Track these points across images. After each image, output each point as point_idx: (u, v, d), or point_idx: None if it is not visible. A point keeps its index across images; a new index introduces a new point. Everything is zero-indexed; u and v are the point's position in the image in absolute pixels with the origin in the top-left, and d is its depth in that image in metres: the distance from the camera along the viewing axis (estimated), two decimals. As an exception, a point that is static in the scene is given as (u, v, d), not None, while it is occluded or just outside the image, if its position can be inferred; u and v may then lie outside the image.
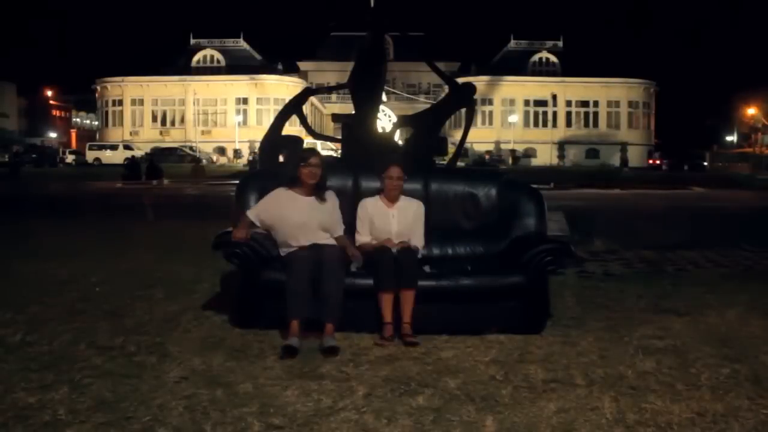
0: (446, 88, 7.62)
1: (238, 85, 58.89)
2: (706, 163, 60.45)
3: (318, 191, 4.67)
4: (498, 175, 5.60)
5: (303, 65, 67.83)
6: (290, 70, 63.74)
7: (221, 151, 56.76)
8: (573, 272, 6.95)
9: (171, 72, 60.05)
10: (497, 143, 58.91)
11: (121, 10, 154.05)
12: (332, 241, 4.60)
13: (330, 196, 4.74)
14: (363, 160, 5.95)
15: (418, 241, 4.79)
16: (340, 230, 4.69)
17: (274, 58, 63.64)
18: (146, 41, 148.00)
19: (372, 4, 7.81)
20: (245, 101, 59.16)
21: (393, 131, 7.98)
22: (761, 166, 48.26)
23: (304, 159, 4.68)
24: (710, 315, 5.13)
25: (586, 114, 62.11)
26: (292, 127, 8.78)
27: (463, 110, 7.43)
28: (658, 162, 57.54)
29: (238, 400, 3.30)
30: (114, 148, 52.57)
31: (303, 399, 3.32)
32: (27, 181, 27.99)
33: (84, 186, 25.16)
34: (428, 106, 10.05)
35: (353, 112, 6.99)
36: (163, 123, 60.22)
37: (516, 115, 60.05)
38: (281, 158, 7.39)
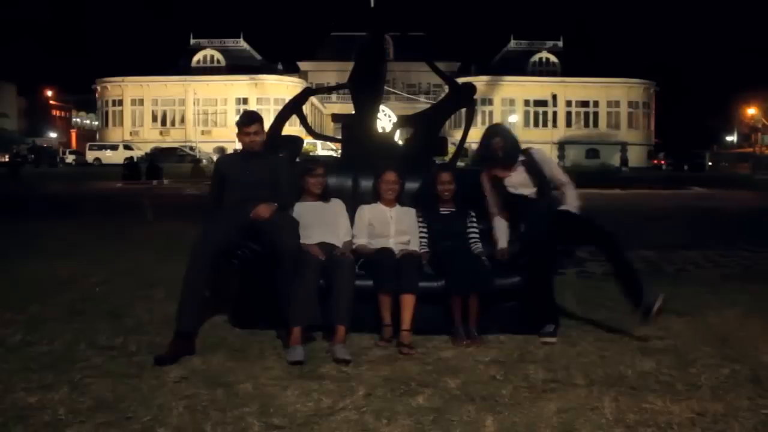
0: (446, 88, 7.60)
1: (238, 85, 58.86)
2: (710, 163, 60.41)
3: (324, 198, 4.81)
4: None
5: (303, 65, 67.78)
6: (290, 70, 63.73)
7: (221, 151, 56.68)
8: (573, 272, 6.95)
9: (171, 72, 60.03)
10: (497, 143, 58.78)
11: (121, 9, 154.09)
12: (340, 243, 4.64)
13: (337, 201, 4.87)
14: (363, 160, 5.95)
15: (417, 245, 4.78)
16: (346, 236, 4.74)
17: (274, 58, 63.83)
18: (146, 41, 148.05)
19: (372, 4, 7.80)
20: (245, 101, 59.06)
21: (393, 131, 7.96)
22: (761, 166, 48.26)
23: (310, 170, 4.80)
24: (710, 315, 5.14)
25: (586, 114, 62.04)
26: (292, 127, 8.76)
27: (463, 110, 7.42)
28: (662, 162, 57.43)
29: (238, 400, 3.30)
30: (114, 148, 52.49)
31: (303, 399, 3.32)
32: (27, 181, 27.96)
33: (84, 186, 25.13)
34: (428, 106, 10.02)
35: (353, 112, 6.98)
36: (163, 123, 60.18)
37: (516, 115, 59.97)
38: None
